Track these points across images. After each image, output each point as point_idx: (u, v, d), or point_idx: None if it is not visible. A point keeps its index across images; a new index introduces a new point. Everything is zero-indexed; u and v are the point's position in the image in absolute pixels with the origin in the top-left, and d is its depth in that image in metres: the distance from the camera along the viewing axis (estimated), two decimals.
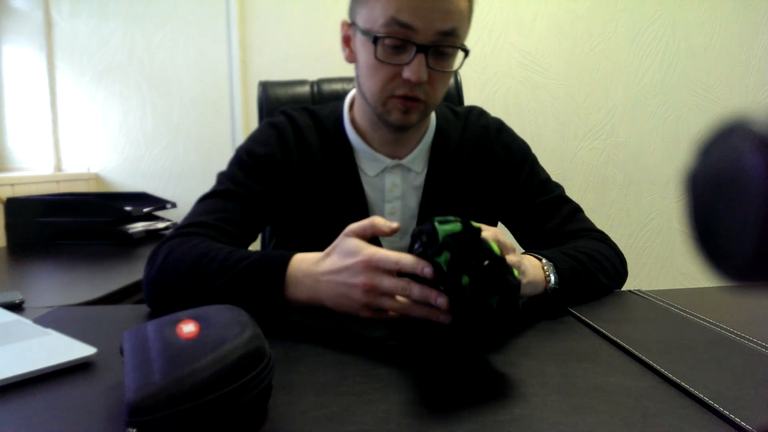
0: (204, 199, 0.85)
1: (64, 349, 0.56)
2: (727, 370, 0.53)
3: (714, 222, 0.20)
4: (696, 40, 1.96)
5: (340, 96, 1.17)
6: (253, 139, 0.92)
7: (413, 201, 0.93)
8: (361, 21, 0.79)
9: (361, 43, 0.81)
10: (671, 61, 1.97)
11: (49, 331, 0.62)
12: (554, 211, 0.92)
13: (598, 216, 1.95)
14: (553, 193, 0.94)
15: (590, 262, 0.79)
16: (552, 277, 0.72)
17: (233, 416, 0.41)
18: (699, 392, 0.48)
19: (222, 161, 0.92)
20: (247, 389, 0.41)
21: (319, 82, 1.29)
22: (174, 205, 1.76)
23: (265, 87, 1.27)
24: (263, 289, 0.66)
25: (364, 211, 0.91)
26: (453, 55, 0.80)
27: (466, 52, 0.80)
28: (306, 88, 1.28)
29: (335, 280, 0.62)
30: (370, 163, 0.91)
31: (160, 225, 1.66)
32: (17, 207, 1.50)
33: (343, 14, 0.87)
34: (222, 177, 0.88)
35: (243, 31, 1.86)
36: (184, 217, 0.83)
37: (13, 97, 1.85)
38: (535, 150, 1.00)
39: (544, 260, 0.73)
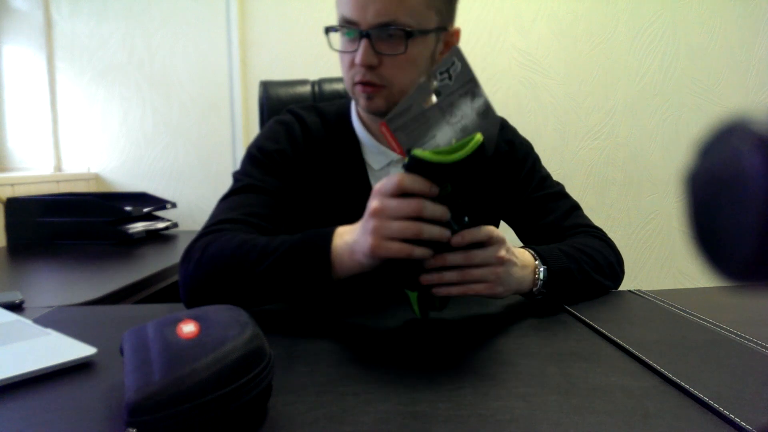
0: (225, 198, 0.85)
1: (64, 349, 0.56)
2: (727, 370, 0.53)
3: (714, 222, 0.20)
4: (696, 40, 1.96)
5: (342, 95, 1.16)
6: (263, 137, 0.92)
7: None
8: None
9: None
10: (671, 61, 1.97)
11: (49, 331, 0.62)
12: (553, 206, 0.93)
13: (598, 216, 1.94)
14: (553, 189, 0.95)
15: (587, 261, 0.79)
16: (541, 274, 0.74)
17: (233, 416, 0.41)
18: (699, 392, 0.48)
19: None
20: (247, 389, 0.41)
21: (320, 82, 1.29)
22: (174, 205, 1.76)
23: (266, 87, 1.27)
24: (309, 269, 0.66)
25: None
26: (402, 38, 0.78)
27: (408, 34, 0.78)
28: (307, 88, 1.28)
29: (360, 228, 0.63)
30: (376, 156, 0.92)
31: (160, 225, 1.65)
32: (17, 207, 1.50)
33: None
34: (239, 175, 0.88)
35: (243, 31, 1.86)
36: (209, 217, 0.82)
37: (13, 97, 1.85)
38: (535, 150, 1.00)
39: (537, 261, 0.75)
